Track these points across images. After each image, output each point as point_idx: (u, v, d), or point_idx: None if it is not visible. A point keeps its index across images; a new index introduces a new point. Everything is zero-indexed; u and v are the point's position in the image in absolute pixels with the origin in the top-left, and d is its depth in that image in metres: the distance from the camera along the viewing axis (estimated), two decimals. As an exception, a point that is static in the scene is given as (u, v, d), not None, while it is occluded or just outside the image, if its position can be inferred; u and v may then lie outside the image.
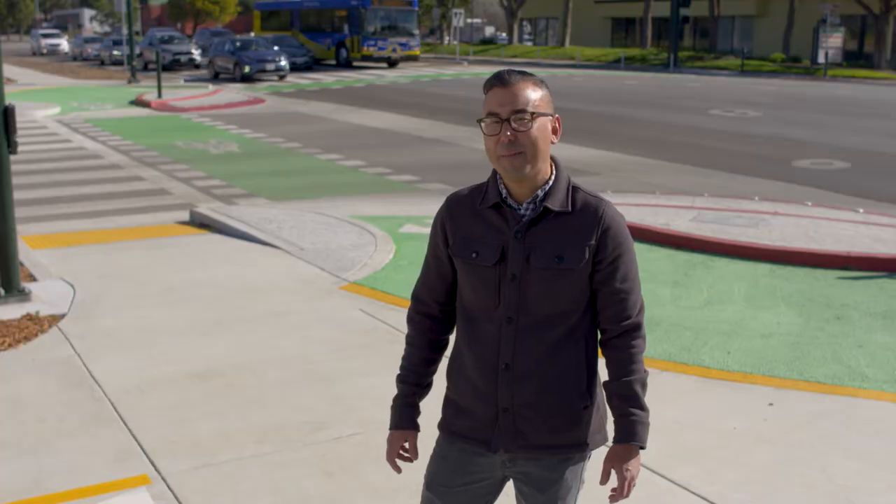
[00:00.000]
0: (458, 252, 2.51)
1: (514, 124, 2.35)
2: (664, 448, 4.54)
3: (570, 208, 2.41)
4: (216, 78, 34.97)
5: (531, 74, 2.43)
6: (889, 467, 4.42)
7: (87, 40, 55.10)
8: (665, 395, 5.20)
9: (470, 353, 2.51)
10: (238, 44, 35.25)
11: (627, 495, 2.49)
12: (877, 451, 4.59)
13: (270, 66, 33.87)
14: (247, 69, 33.66)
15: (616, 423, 2.49)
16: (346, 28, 41.34)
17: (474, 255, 2.46)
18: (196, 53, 42.04)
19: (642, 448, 2.50)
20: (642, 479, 4.26)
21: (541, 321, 2.43)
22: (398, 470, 2.69)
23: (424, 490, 2.68)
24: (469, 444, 2.55)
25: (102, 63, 47.38)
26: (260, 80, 33.96)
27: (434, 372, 2.69)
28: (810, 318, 6.75)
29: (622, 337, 2.47)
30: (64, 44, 61.88)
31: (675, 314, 6.81)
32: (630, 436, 2.47)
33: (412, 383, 2.65)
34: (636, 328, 2.48)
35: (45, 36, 64.38)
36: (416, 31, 42.39)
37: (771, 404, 5.16)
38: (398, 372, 2.69)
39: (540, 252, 2.40)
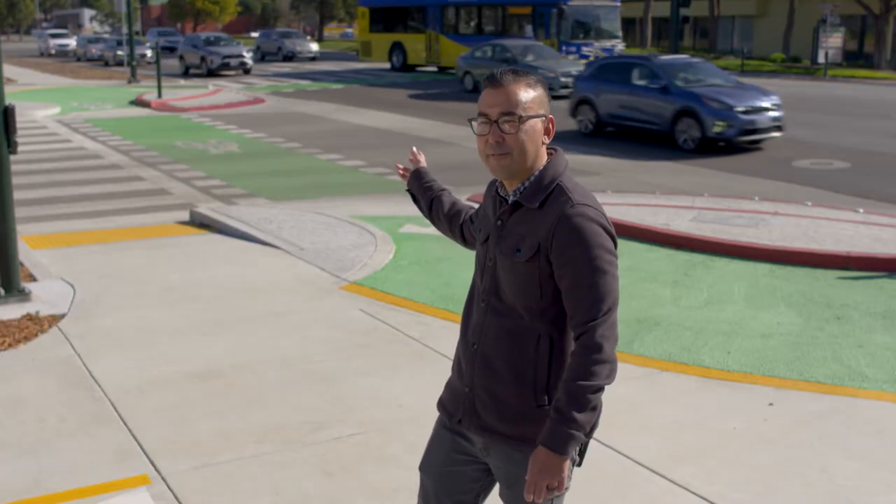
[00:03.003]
0: (475, 227, 2.78)
1: (502, 126, 2.41)
2: (664, 448, 4.54)
3: (537, 204, 2.44)
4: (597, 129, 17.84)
5: (526, 74, 2.46)
6: (889, 467, 4.42)
7: (91, 40, 53.80)
8: (665, 395, 5.20)
9: (461, 330, 2.67)
10: (662, 68, 17.01)
11: (538, 499, 2.37)
12: (877, 451, 4.59)
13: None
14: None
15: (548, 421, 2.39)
16: (528, 30, 32.76)
17: (479, 231, 2.67)
18: (248, 57, 37.07)
19: (561, 454, 2.33)
20: (642, 479, 4.27)
21: (506, 309, 2.50)
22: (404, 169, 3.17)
23: (420, 473, 2.78)
24: (442, 414, 2.70)
25: (106, 64, 46.27)
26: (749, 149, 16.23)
27: (438, 207, 3.02)
28: (810, 318, 6.75)
29: (577, 340, 2.38)
30: (73, 44, 59.18)
31: (675, 314, 6.81)
32: (544, 437, 2.35)
33: (437, 186, 3.08)
34: (587, 334, 2.34)
35: (54, 36, 62.31)
36: (620, 33, 33.37)
37: (771, 404, 5.16)
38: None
39: (507, 242, 2.48)
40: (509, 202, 2.51)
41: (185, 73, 37.10)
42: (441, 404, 2.73)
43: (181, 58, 37.97)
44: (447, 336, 6.17)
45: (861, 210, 10.29)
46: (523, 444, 2.49)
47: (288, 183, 13.00)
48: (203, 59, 36.47)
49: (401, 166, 3.23)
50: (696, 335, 6.34)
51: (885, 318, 6.72)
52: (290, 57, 47.52)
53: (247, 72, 37.04)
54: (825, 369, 5.72)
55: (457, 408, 2.63)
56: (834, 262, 8.14)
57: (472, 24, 35.74)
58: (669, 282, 7.66)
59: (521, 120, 2.40)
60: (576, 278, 2.36)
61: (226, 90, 28.93)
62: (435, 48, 36.49)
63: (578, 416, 2.31)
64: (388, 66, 39.04)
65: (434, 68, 37.15)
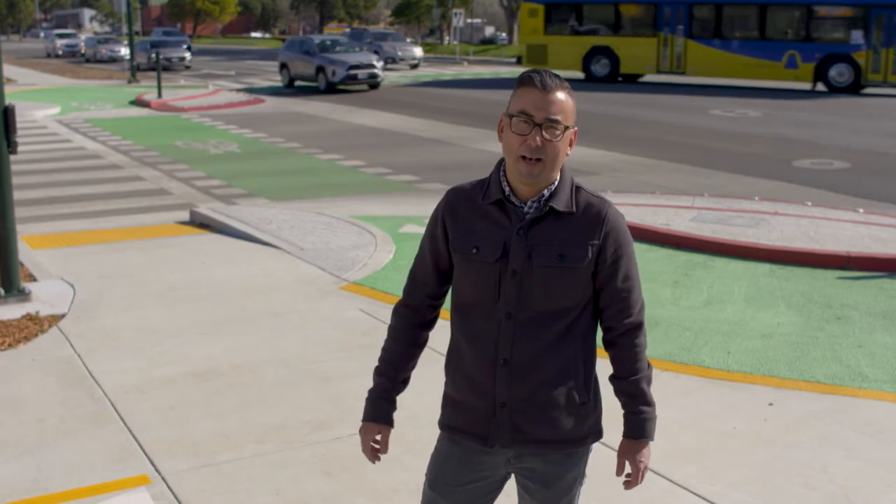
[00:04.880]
0: (459, 247, 2.49)
1: (545, 132, 2.35)
2: (664, 448, 4.53)
3: (573, 209, 2.44)
4: None
5: (563, 80, 2.41)
6: (889, 467, 4.42)
7: (100, 41, 51.75)
8: (665, 395, 5.18)
9: (469, 347, 2.53)
10: None
11: (641, 481, 2.62)
12: (877, 451, 4.59)
13: None
14: None
15: (626, 419, 2.58)
16: (855, 36, 26.43)
17: (475, 250, 2.46)
18: (378, 67, 28.11)
19: (649, 439, 2.60)
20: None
21: (540, 317, 2.44)
22: (374, 460, 2.67)
23: (427, 489, 2.66)
24: (467, 440, 2.55)
25: (138, 67, 38.54)
26: None
27: (412, 367, 2.73)
28: (810, 318, 6.75)
29: (625, 335, 2.53)
30: (82, 45, 56.08)
31: (675, 314, 6.81)
32: (639, 432, 2.57)
33: (390, 377, 2.70)
34: (638, 326, 2.55)
35: (61, 36, 59.85)
36: None
37: (771, 404, 5.16)
38: (376, 364, 2.74)
39: (542, 250, 2.41)
40: (529, 209, 2.43)
41: (290, 86, 29.52)
42: (455, 429, 2.58)
43: (283, 66, 29.97)
44: (447, 336, 6.17)
45: (861, 210, 10.29)
46: (563, 445, 2.53)
47: (288, 183, 13.00)
48: (321, 69, 27.88)
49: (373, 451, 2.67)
50: (695, 335, 6.34)
51: (885, 318, 6.72)
52: (387, 63, 38.18)
53: (374, 87, 28.27)
54: (825, 369, 5.72)
55: (486, 429, 2.50)
56: (834, 262, 8.14)
57: (747, 27, 28.93)
58: (669, 282, 7.66)
59: (565, 130, 2.37)
60: (621, 278, 2.48)
61: (225, 90, 28.91)
62: (673, 54, 29.99)
63: (648, 398, 2.57)
64: (576, 74, 31.29)
65: (676, 79, 30.66)
